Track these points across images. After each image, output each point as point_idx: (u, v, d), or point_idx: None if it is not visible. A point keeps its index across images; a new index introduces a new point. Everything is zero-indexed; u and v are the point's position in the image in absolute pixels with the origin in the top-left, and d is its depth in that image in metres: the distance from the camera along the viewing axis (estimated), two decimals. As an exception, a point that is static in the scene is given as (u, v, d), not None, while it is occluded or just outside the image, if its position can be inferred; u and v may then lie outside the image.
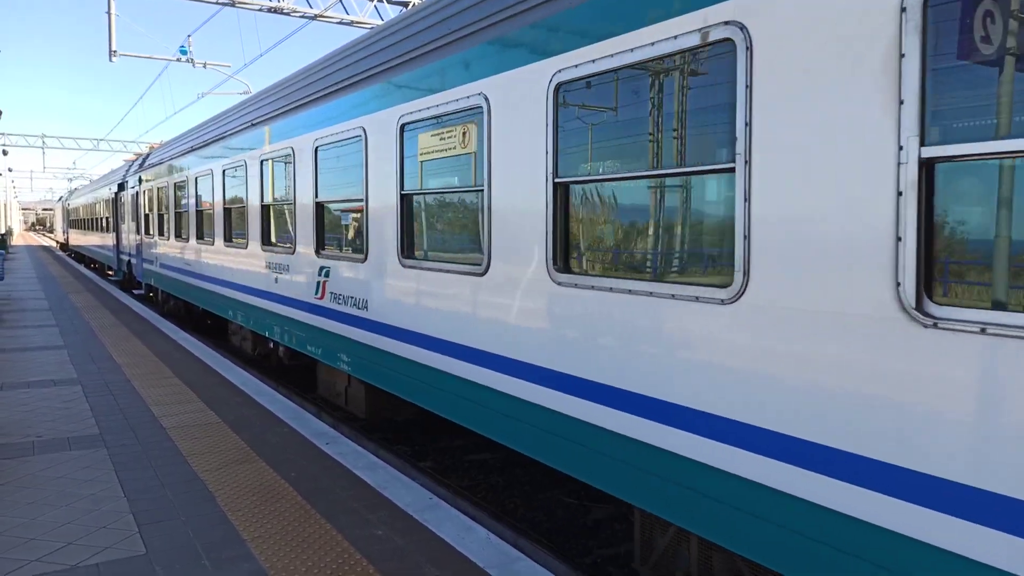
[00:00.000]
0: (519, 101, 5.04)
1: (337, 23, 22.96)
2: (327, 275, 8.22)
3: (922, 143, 2.83)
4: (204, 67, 27.09)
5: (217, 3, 21.55)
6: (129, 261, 22.66)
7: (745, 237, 3.51)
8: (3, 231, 42.84)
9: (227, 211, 12.00)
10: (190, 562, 4.46)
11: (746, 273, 3.52)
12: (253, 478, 5.95)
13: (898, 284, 2.92)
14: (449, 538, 4.82)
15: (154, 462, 6.34)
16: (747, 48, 3.48)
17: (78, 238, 42.52)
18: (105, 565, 4.42)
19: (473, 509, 6.47)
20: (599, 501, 6.81)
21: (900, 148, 2.89)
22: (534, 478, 7.54)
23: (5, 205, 51.70)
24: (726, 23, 3.58)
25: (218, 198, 12.39)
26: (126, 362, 10.85)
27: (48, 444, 6.84)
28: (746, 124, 3.49)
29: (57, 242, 66.20)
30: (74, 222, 45.14)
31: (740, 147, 3.51)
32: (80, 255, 42.68)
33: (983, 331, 2.69)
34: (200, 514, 5.20)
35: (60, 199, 64.68)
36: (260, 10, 22.09)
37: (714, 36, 3.63)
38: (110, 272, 30.16)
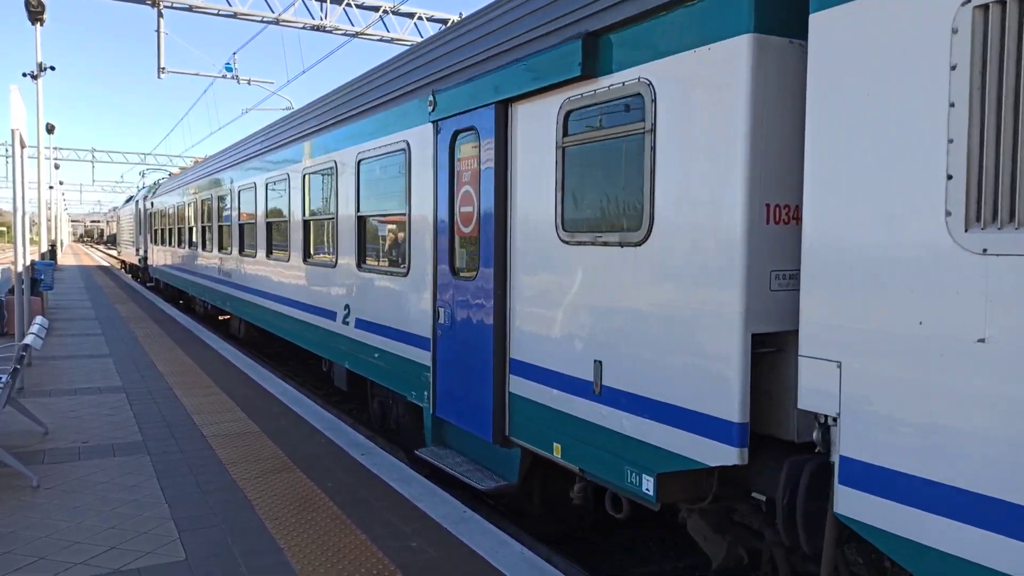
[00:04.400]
0: None
1: (378, 40, 23.42)
2: None
3: None
4: (249, 83, 27.73)
5: (262, 21, 22.10)
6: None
7: None
8: (52, 242, 43.04)
9: None
10: (228, 569, 4.52)
11: None
12: (290, 487, 6.02)
13: None
14: (483, 551, 4.82)
15: (194, 470, 6.45)
16: None
17: (176, 261, 21.97)
18: (147, 570, 4.51)
19: (506, 523, 6.45)
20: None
21: None
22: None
23: (56, 217, 52.93)
24: None
25: None
26: (168, 371, 11.08)
27: (93, 450, 7.01)
28: None
29: (123, 263, 43.98)
30: (166, 234, 23.94)
31: None
32: (169, 286, 24.31)
33: None
34: (239, 522, 5.28)
35: (131, 199, 41.16)
36: (303, 28, 22.61)
37: None
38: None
